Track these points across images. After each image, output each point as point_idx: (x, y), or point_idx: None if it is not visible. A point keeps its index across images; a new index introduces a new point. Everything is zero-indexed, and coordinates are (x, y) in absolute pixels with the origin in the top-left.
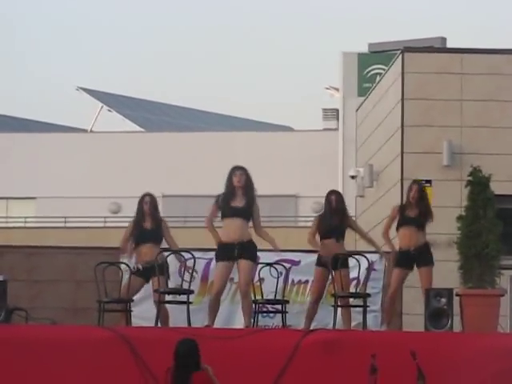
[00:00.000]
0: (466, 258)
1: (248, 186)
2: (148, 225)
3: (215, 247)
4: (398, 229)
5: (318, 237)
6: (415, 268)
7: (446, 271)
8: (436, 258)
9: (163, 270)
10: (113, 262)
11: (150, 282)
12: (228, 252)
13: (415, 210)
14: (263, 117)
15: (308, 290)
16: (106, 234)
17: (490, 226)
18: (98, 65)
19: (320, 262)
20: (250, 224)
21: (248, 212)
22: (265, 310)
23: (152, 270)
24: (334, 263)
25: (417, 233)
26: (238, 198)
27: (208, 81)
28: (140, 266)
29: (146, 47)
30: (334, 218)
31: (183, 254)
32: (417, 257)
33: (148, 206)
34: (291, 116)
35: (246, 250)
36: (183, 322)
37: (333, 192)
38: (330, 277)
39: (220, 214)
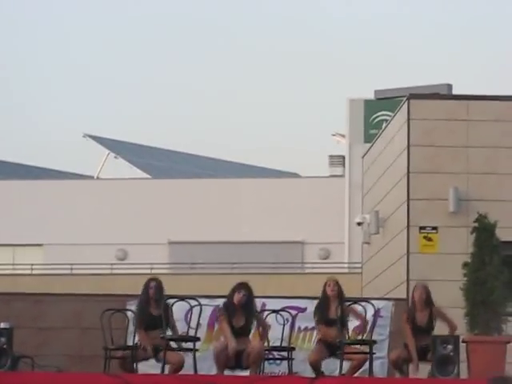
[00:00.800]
0: (472, 305)
1: (247, 304)
2: (154, 311)
3: (221, 294)
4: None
5: None
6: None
7: (453, 318)
8: (443, 305)
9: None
10: (119, 308)
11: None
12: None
13: (424, 313)
14: (269, 163)
15: (314, 336)
16: (112, 280)
17: (495, 272)
18: (104, 112)
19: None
20: None
21: (248, 329)
22: (271, 356)
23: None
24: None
25: (427, 337)
26: (238, 316)
27: (214, 127)
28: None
29: (152, 94)
30: (331, 311)
31: (189, 300)
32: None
33: (153, 290)
34: (298, 162)
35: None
36: (189, 369)
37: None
38: None
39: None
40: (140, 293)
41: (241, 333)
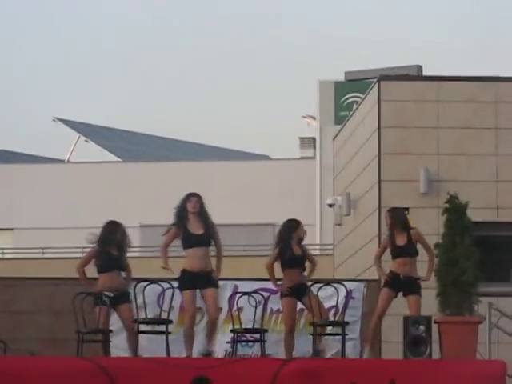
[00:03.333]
0: (444, 286)
1: (204, 213)
2: (114, 252)
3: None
4: (392, 258)
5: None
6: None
7: (424, 299)
8: None
9: (129, 297)
10: (91, 292)
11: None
12: (193, 281)
13: (402, 237)
14: (240, 146)
15: None
16: None
17: (467, 253)
18: (74, 95)
19: (287, 293)
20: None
21: (209, 239)
22: (244, 339)
23: (118, 298)
24: (300, 292)
25: (410, 262)
26: (196, 225)
27: (185, 110)
28: (110, 294)
29: (122, 76)
30: (296, 248)
31: (162, 283)
32: (404, 284)
33: (120, 234)
34: (268, 145)
35: (210, 279)
36: (162, 352)
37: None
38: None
39: (181, 243)
40: (100, 234)
41: (201, 241)
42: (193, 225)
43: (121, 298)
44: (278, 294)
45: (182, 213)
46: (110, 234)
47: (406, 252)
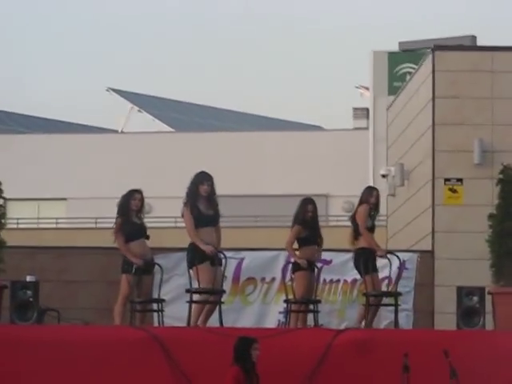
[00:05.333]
0: (498, 256)
1: (214, 194)
2: (138, 220)
3: (246, 247)
4: (366, 231)
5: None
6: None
7: (478, 269)
8: (469, 257)
9: (153, 268)
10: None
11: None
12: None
13: (373, 215)
14: (293, 116)
15: (340, 288)
16: None
17: None
18: (128, 65)
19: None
20: None
21: (217, 220)
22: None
23: (145, 268)
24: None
25: None
26: (206, 205)
27: (238, 81)
28: (141, 263)
29: (175, 47)
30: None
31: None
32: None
33: (137, 202)
34: (321, 115)
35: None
36: (215, 321)
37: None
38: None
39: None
40: (120, 203)
41: (212, 221)
42: (204, 205)
43: (147, 269)
44: (331, 264)
45: (194, 194)
46: (126, 202)
47: (374, 229)
